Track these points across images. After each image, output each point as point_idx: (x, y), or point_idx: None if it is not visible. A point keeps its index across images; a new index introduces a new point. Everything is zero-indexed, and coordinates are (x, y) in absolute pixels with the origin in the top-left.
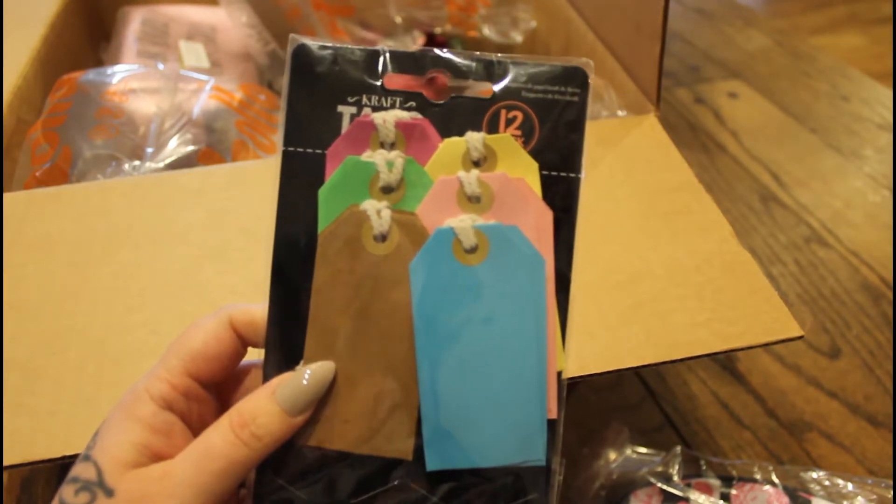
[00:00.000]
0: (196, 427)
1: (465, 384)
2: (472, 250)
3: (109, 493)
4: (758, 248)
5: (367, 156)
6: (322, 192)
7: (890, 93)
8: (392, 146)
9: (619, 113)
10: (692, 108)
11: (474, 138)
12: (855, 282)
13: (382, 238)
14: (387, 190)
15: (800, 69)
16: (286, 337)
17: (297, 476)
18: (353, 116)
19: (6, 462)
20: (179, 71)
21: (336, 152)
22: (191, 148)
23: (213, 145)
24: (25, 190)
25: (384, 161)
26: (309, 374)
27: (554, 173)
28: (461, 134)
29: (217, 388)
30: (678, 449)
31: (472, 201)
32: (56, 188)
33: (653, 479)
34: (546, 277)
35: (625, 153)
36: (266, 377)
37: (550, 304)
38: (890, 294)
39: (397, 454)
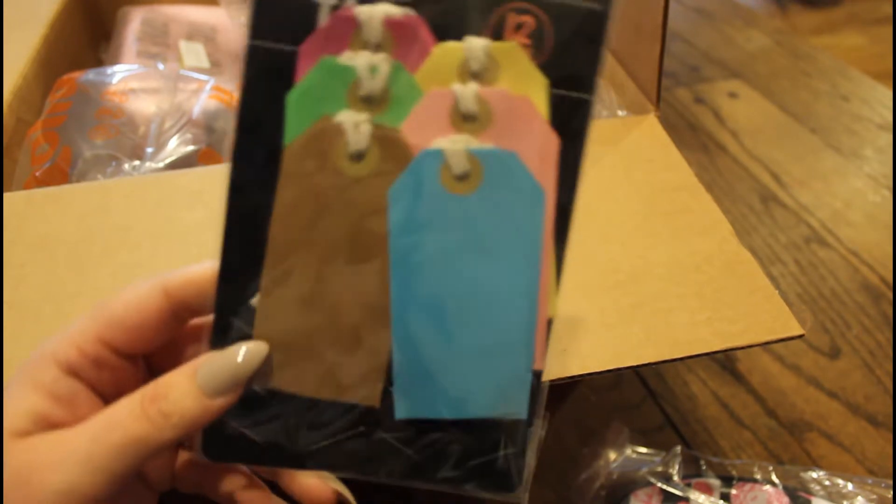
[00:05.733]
0: (112, 399)
1: (445, 327)
2: (463, 177)
3: None
4: (758, 248)
5: (346, 57)
6: (291, 98)
7: (890, 93)
8: (377, 48)
9: (619, 113)
10: (692, 108)
11: (475, 46)
12: (855, 282)
13: (359, 157)
14: (368, 100)
15: (800, 69)
16: (242, 266)
17: (253, 418)
18: (332, 8)
19: None
20: (179, 71)
21: (310, 51)
22: (191, 148)
23: (213, 145)
24: (25, 190)
25: (367, 65)
26: (236, 355)
27: (564, 93)
28: (460, 38)
29: (150, 359)
30: (678, 449)
31: (466, 120)
32: (56, 188)
33: (653, 479)
34: (545, 213)
35: (625, 153)
36: (216, 310)
37: (547, 244)
38: (890, 294)
39: (364, 400)
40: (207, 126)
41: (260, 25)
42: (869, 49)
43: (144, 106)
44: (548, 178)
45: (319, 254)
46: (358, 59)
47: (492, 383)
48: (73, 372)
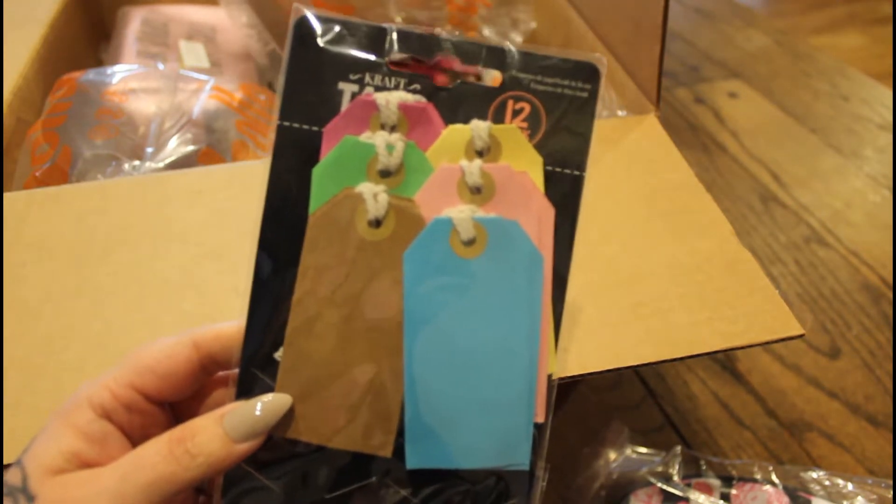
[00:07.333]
0: (140, 441)
1: (453, 381)
2: (470, 243)
3: (31, 498)
4: (758, 248)
5: (366, 136)
6: (316, 172)
7: (890, 93)
8: (393, 129)
9: (619, 113)
10: (692, 108)
11: (480, 127)
12: (855, 282)
13: (377, 223)
14: (385, 174)
15: (800, 69)
16: (268, 322)
17: (271, 467)
18: (354, 95)
19: (6, 462)
20: (179, 71)
21: (334, 130)
22: (191, 148)
23: (213, 145)
24: (25, 190)
25: (384, 143)
26: (261, 405)
27: (558, 169)
28: (466, 121)
29: (176, 407)
30: (678, 449)
31: (472, 192)
32: (56, 188)
33: (653, 479)
34: (543, 276)
35: (625, 153)
36: (242, 363)
37: (546, 304)
38: (890, 294)
39: (376, 450)
40: (207, 126)
41: (289, 108)
42: (869, 49)
43: (144, 106)
44: (546, 245)
45: (339, 312)
46: (376, 138)
47: (496, 435)
48: (106, 415)
